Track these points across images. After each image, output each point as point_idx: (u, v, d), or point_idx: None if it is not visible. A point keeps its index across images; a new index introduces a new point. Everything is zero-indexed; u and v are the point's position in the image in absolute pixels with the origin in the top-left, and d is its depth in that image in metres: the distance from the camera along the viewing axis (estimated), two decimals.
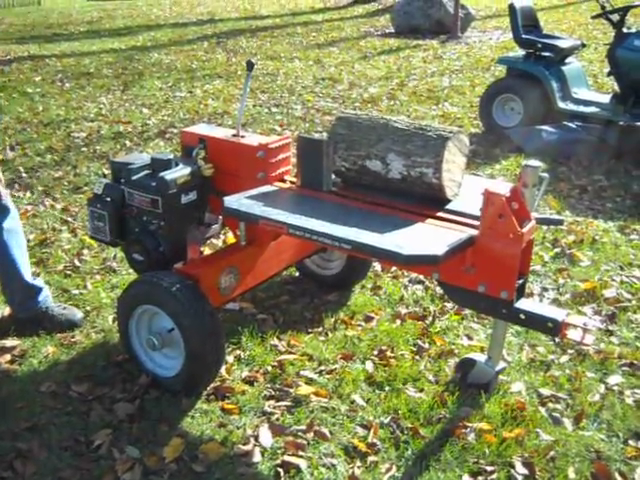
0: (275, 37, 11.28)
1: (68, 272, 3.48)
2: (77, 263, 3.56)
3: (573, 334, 2.19)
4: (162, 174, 2.52)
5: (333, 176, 2.54)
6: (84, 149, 5.42)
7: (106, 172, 4.84)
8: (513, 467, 2.20)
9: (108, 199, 2.68)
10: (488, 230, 2.12)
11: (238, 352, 2.80)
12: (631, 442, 2.33)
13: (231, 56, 9.54)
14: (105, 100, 7.01)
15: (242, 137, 2.70)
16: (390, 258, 2.05)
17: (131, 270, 3.42)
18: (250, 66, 2.72)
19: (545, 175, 2.26)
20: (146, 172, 2.60)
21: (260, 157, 2.60)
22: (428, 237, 2.12)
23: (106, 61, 9.10)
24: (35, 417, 2.42)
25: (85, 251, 3.69)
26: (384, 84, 7.77)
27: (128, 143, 5.56)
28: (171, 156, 2.63)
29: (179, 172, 2.56)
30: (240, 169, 2.65)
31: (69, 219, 4.09)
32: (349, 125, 2.49)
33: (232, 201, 2.37)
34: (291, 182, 2.66)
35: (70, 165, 5.14)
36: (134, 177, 2.59)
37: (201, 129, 2.85)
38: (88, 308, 3.13)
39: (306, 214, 2.29)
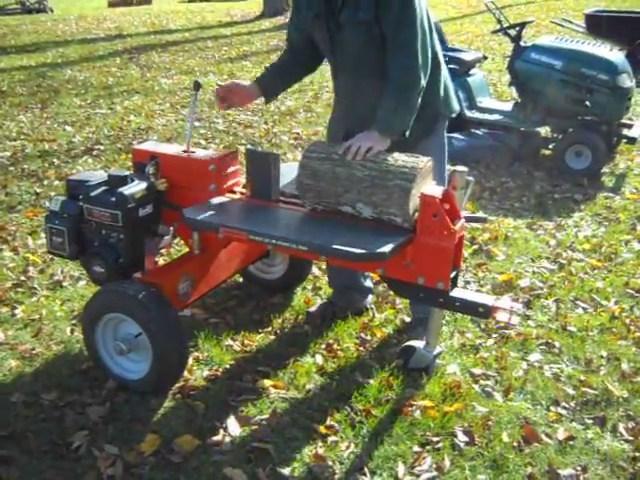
0: (187, 51, 11.36)
1: (18, 289, 3.54)
2: (25, 280, 3.63)
3: (501, 316, 2.52)
4: (121, 189, 2.69)
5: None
6: (11, 168, 5.40)
7: (38, 190, 4.89)
8: (455, 436, 2.51)
9: (66, 215, 2.81)
10: (425, 228, 2.42)
11: (197, 354, 2.98)
12: (552, 408, 2.69)
13: (145, 71, 9.58)
14: (25, 118, 6.96)
15: (193, 152, 2.90)
16: (343, 257, 2.31)
17: (80, 284, 3.56)
18: (197, 86, 2.90)
19: (471, 178, 2.57)
20: (104, 188, 2.74)
21: (212, 170, 2.80)
22: (374, 237, 2.38)
23: (18, 78, 8.96)
24: (11, 425, 2.53)
25: (30, 268, 3.75)
26: (299, 97, 8.04)
27: (56, 161, 5.57)
28: (127, 172, 2.79)
29: (136, 187, 2.72)
30: (193, 182, 2.83)
31: (8, 238, 4.13)
32: (313, 174, 2.55)
33: (191, 212, 2.58)
34: (241, 193, 2.88)
35: None
36: (93, 193, 2.73)
37: (151, 146, 3.03)
38: (45, 322, 3.23)
39: (259, 221, 2.54)
